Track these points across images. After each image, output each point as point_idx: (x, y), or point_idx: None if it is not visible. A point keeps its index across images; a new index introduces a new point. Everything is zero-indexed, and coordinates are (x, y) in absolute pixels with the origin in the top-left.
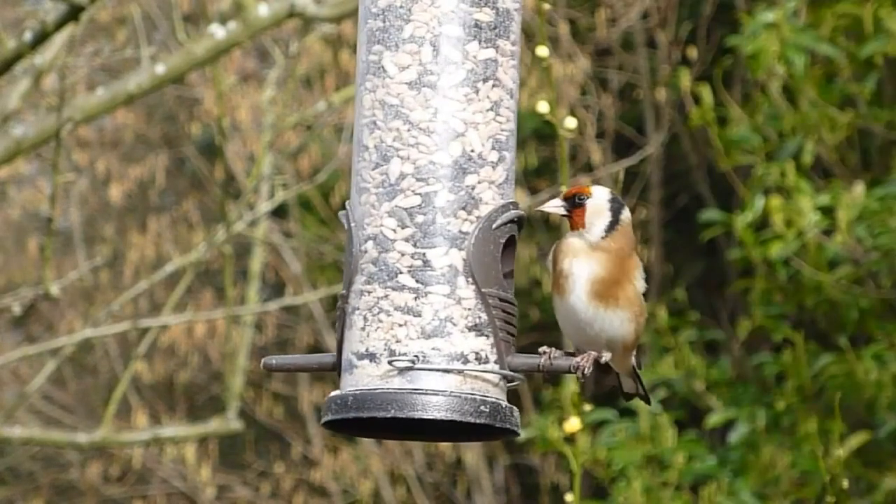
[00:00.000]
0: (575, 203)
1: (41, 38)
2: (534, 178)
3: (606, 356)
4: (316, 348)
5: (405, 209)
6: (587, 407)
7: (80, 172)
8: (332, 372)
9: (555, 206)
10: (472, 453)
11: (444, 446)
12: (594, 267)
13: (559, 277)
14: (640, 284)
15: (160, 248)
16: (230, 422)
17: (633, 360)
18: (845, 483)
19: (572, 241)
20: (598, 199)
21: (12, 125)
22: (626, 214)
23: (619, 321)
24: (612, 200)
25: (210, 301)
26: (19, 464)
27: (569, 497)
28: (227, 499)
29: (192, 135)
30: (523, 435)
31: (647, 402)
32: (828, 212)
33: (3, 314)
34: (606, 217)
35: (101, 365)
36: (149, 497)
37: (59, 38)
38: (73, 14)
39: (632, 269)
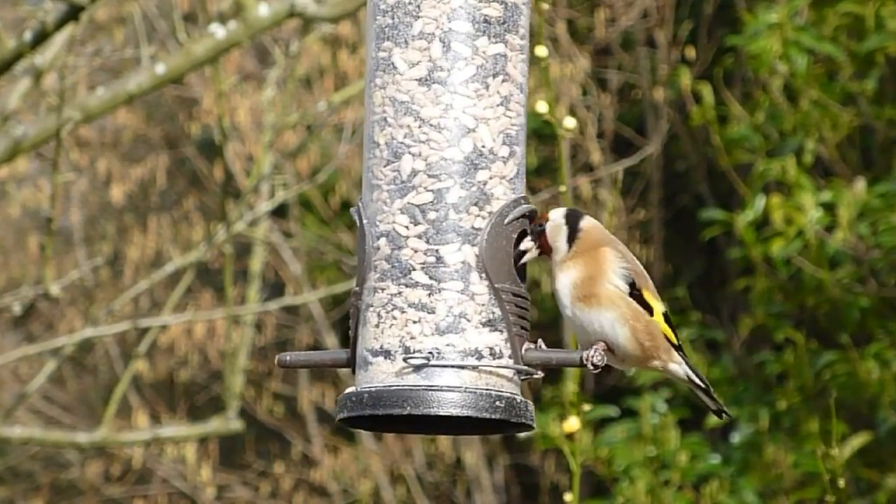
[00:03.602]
0: (536, 234)
1: (41, 38)
2: (534, 177)
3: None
4: (316, 348)
5: (417, 206)
6: (586, 406)
7: (80, 172)
8: (346, 368)
9: (528, 250)
10: (471, 453)
11: (444, 446)
12: (571, 274)
13: (555, 298)
14: (619, 283)
15: (160, 248)
16: (230, 422)
17: (689, 371)
18: (842, 482)
19: (553, 267)
20: (554, 220)
21: (12, 125)
22: (585, 222)
23: (609, 323)
24: (567, 215)
25: (210, 301)
26: (19, 464)
27: (568, 497)
28: (227, 499)
29: (192, 135)
30: (523, 433)
31: (720, 415)
32: (829, 208)
33: (3, 314)
34: (564, 232)
35: (101, 365)
36: (149, 497)
37: (59, 38)
38: (73, 14)
39: (604, 262)
